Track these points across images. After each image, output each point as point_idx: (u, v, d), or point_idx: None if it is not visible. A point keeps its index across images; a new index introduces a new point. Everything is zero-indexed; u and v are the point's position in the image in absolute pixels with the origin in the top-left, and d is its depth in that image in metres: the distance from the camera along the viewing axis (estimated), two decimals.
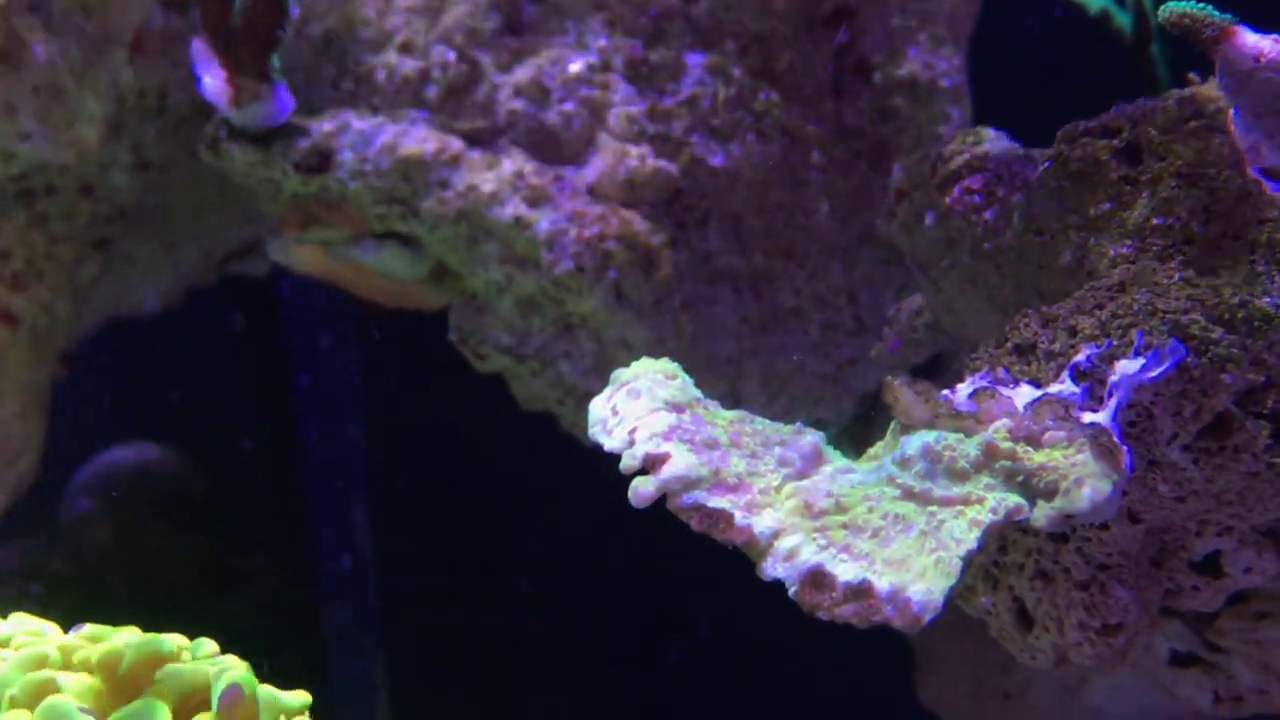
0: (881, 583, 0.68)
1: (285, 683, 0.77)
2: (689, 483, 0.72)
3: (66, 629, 0.78)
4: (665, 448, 0.73)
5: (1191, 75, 1.01)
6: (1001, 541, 0.85)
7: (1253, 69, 0.90)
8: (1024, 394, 0.78)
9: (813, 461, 0.77)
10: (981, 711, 1.53)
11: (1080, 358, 0.77)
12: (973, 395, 0.78)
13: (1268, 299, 0.80)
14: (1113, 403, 0.75)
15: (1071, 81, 1.68)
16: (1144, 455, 0.78)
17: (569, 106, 1.33)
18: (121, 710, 0.67)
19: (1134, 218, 0.89)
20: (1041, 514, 0.72)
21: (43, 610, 0.81)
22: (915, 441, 0.76)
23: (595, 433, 0.77)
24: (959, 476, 0.73)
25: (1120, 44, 1.40)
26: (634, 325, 1.30)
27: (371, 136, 1.29)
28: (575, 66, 1.34)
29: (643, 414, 0.76)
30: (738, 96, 1.36)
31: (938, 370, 1.28)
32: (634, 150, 1.31)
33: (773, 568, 0.70)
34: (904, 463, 0.75)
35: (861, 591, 0.68)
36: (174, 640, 0.76)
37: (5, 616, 0.79)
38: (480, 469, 1.80)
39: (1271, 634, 0.90)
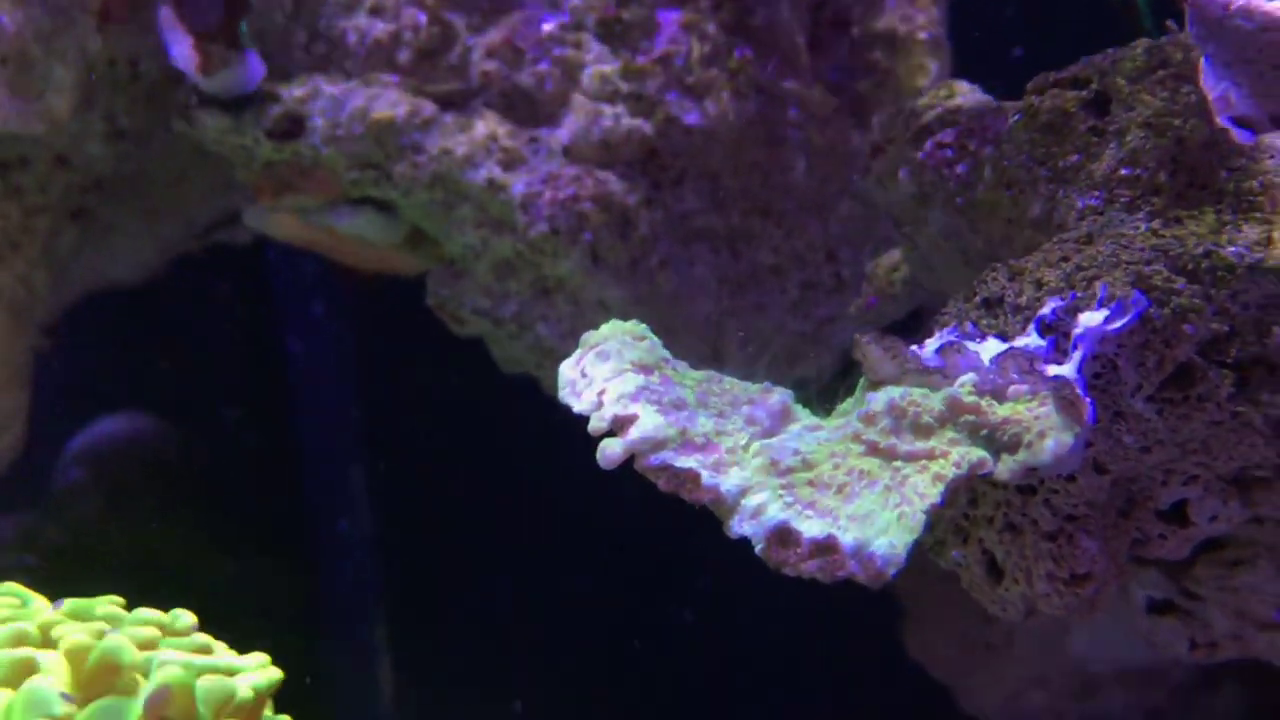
0: (846, 538, 0.68)
1: (278, 651, 0.78)
2: (656, 443, 0.72)
3: (60, 599, 0.78)
4: (633, 409, 0.73)
5: (1170, 23, 1.00)
6: (971, 495, 0.85)
7: (1222, 17, 0.89)
8: (991, 348, 0.78)
9: (780, 419, 0.77)
10: (967, 662, 1.55)
11: (1045, 310, 0.77)
12: (940, 350, 0.78)
13: (1232, 248, 0.79)
14: (1077, 355, 0.75)
15: (1057, 31, 1.66)
16: (1109, 406, 0.78)
17: (542, 67, 1.32)
18: (92, 706, 0.67)
19: (1102, 169, 0.89)
20: (1005, 467, 0.73)
21: (35, 582, 0.81)
22: (881, 398, 0.76)
23: (565, 395, 0.77)
24: (923, 431, 0.74)
25: None
26: (611, 287, 1.30)
27: (343, 101, 1.28)
28: (548, 26, 1.33)
29: (611, 376, 0.76)
30: (712, 53, 1.34)
31: (918, 325, 1.27)
32: (608, 110, 1.31)
33: (739, 525, 0.70)
34: (869, 419, 0.75)
35: (826, 547, 0.69)
36: (146, 615, 0.76)
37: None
38: (475, 432, 1.80)
39: (1245, 580, 0.91)
